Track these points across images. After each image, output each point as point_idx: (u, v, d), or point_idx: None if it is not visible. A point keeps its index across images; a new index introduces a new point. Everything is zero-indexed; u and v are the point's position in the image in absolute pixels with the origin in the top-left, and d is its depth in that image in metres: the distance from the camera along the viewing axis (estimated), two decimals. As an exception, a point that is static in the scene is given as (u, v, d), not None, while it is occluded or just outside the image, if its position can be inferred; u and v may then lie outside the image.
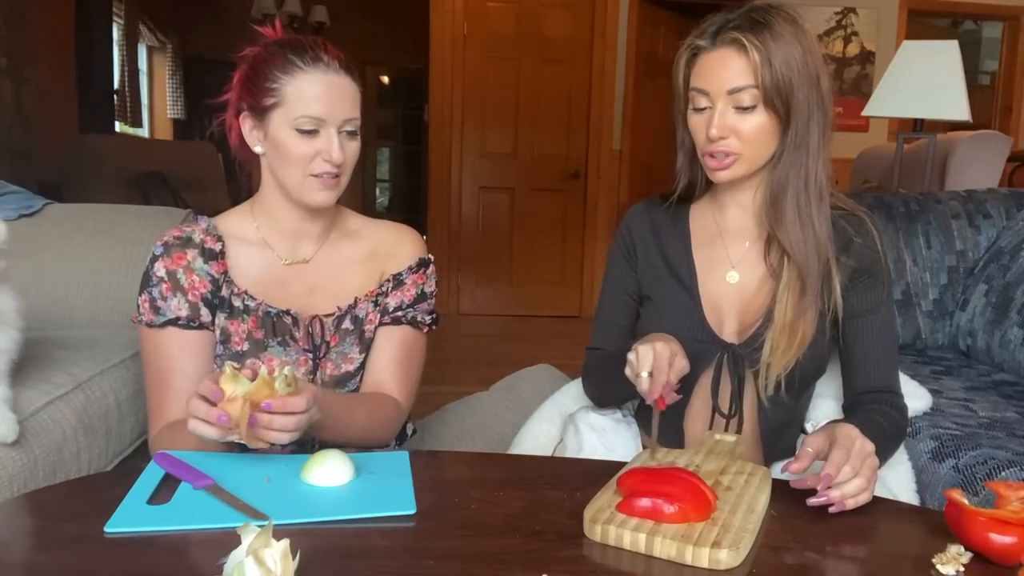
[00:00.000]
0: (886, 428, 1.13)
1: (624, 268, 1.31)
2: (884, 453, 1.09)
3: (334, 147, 1.14)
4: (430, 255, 1.34)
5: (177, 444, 1.09)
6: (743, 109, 1.11)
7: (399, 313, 1.28)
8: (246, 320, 1.21)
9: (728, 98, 1.11)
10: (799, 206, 1.14)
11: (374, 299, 1.28)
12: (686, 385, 1.21)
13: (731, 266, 1.23)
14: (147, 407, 1.21)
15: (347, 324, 1.25)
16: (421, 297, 1.30)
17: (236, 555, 0.69)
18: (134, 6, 6.11)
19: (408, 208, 9.20)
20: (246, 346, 1.21)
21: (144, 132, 6.69)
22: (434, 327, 1.32)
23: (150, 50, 7.02)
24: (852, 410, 1.21)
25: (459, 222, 5.27)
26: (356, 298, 1.26)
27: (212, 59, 6.52)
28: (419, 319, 1.29)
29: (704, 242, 1.26)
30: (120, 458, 1.47)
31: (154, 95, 7.09)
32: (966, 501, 0.86)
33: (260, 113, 1.16)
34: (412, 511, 0.90)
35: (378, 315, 1.28)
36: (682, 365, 1.07)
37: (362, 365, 1.26)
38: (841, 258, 1.17)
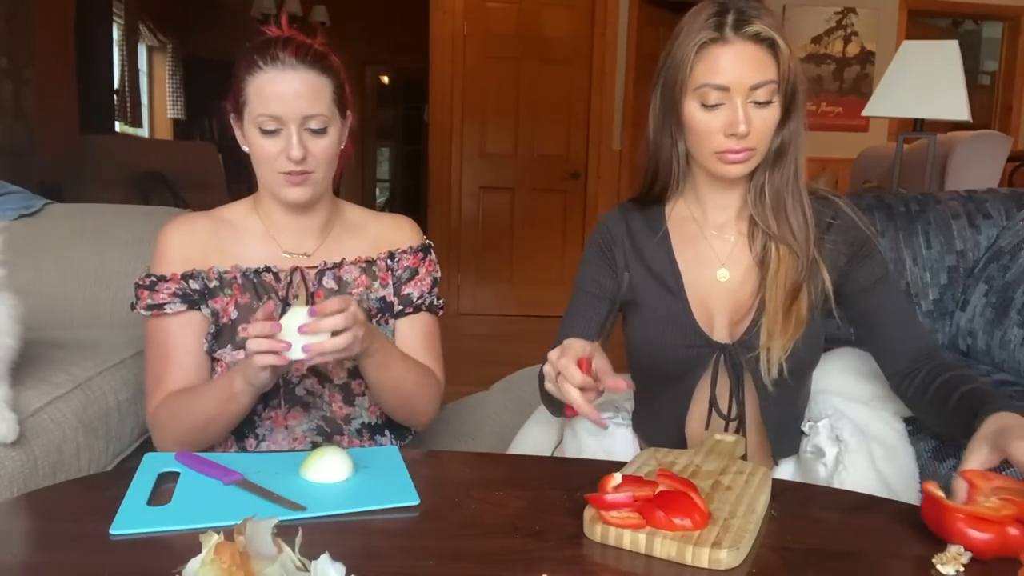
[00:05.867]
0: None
1: (599, 267, 1.26)
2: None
3: (291, 145, 1.14)
4: (429, 241, 1.38)
5: (180, 412, 1.16)
6: (760, 104, 1.09)
7: (420, 301, 1.31)
8: (228, 292, 1.22)
9: (748, 93, 1.08)
10: (794, 198, 1.15)
11: (363, 265, 1.29)
12: (684, 390, 1.21)
13: (720, 264, 1.22)
14: (145, 383, 1.24)
15: (330, 282, 1.26)
16: (434, 283, 1.34)
17: (192, 564, 0.68)
18: (134, 6, 6.11)
19: (408, 208, 9.19)
20: (234, 314, 1.21)
21: (144, 132, 6.69)
22: (443, 310, 1.37)
23: (150, 50, 7.02)
24: (927, 376, 1.14)
25: (459, 222, 5.27)
26: (343, 259, 1.28)
27: (212, 59, 6.51)
28: (434, 304, 1.34)
29: (686, 242, 1.23)
30: (120, 458, 1.47)
31: (154, 95, 7.09)
32: (943, 494, 0.85)
33: (239, 114, 1.19)
34: (416, 502, 0.91)
35: (370, 281, 1.28)
36: (585, 352, 0.96)
37: None
38: (825, 242, 1.17)
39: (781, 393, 1.17)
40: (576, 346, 0.96)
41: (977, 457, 0.92)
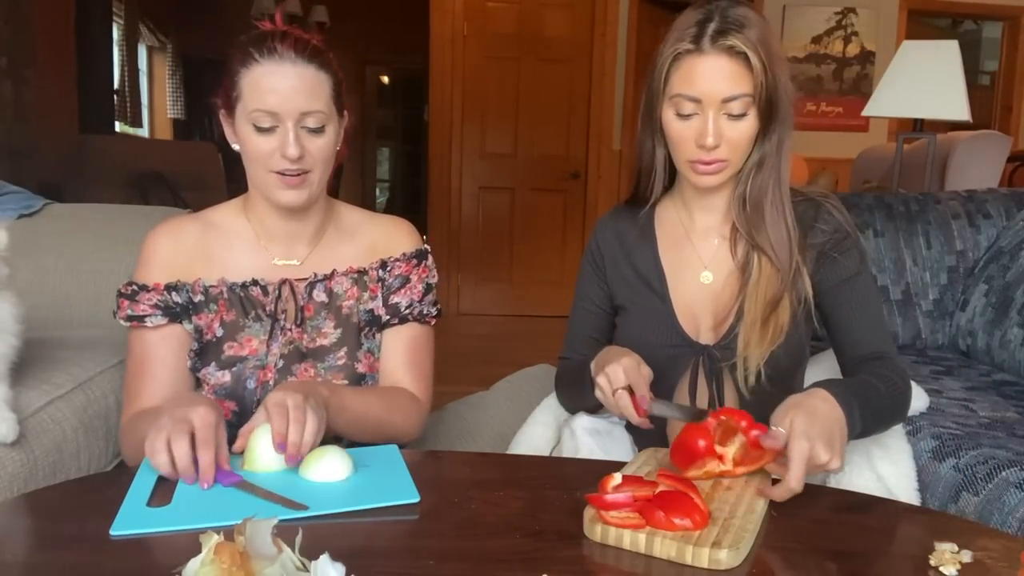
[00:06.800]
0: (880, 388, 1.09)
1: (592, 281, 1.32)
2: (879, 415, 1.09)
3: (288, 143, 1.08)
4: (426, 246, 1.32)
5: (133, 436, 1.09)
6: (734, 116, 1.10)
7: (408, 311, 1.26)
8: (214, 308, 1.18)
9: (720, 105, 1.09)
10: (775, 208, 1.15)
11: (354, 275, 1.24)
12: (664, 392, 1.21)
13: (703, 266, 1.23)
14: (123, 392, 1.20)
15: (321, 295, 1.22)
16: (427, 290, 1.28)
17: (192, 564, 0.68)
18: (134, 6, 6.11)
19: (408, 208, 9.20)
20: (220, 331, 1.18)
21: (144, 132, 6.69)
22: (439, 316, 1.31)
23: (150, 50, 7.02)
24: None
25: (459, 222, 5.27)
26: (334, 269, 1.23)
27: (212, 59, 6.50)
28: (424, 312, 1.27)
29: (672, 244, 1.25)
30: (120, 458, 1.47)
31: (154, 95, 7.08)
32: (702, 438, 0.95)
33: (230, 110, 1.13)
34: (416, 499, 0.91)
35: (360, 292, 1.24)
36: (647, 371, 1.08)
37: (339, 341, 1.22)
38: (806, 245, 1.17)
39: (762, 397, 1.17)
40: (632, 372, 1.05)
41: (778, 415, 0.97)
